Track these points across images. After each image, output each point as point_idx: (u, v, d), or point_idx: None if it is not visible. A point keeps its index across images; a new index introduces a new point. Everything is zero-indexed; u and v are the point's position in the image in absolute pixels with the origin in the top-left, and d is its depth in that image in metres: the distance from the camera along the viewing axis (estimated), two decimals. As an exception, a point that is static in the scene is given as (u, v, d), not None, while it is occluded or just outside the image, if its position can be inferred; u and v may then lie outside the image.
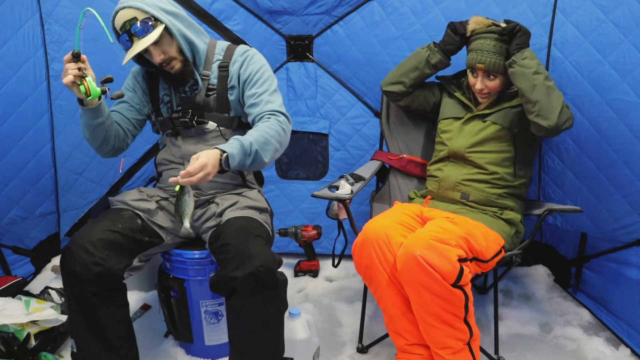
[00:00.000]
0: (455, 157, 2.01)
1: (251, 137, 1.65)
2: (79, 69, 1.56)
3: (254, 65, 1.82)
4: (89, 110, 1.69)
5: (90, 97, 1.59)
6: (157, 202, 1.85)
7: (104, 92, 1.62)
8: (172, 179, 1.53)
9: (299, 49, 2.57)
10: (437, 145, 2.12)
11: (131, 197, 1.83)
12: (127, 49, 1.68)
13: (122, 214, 1.76)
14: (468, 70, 2.00)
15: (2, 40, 2.09)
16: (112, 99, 1.70)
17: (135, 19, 1.63)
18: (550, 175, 2.29)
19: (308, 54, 2.59)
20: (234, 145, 1.61)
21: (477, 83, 1.96)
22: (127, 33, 1.64)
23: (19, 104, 2.20)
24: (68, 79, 1.55)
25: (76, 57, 1.56)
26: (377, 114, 2.57)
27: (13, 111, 2.19)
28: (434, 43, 2.07)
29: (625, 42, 1.86)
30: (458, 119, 2.06)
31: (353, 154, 2.67)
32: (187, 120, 1.81)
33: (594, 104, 2.01)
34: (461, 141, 1.99)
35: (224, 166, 1.58)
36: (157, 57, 1.70)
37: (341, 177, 2.10)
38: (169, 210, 1.87)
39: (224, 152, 1.58)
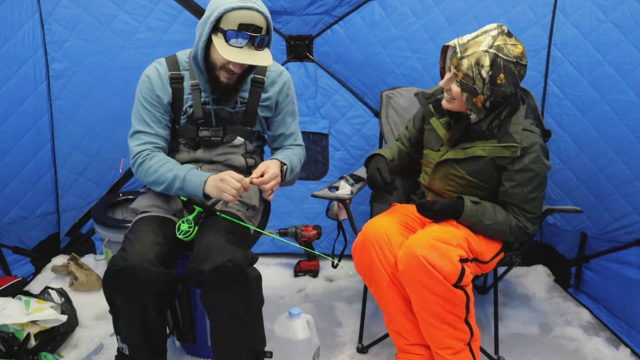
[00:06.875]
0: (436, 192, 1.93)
1: (295, 159, 1.87)
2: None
3: (291, 92, 1.91)
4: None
5: (185, 237, 1.68)
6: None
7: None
8: (251, 179, 1.66)
9: (299, 49, 2.57)
10: (422, 172, 1.99)
11: (157, 202, 1.80)
12: (231, 43, 1.62)
13: (163, 222, 1.73)
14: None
15: (2, 40, 2.09)
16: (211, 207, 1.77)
17: (261, 29, 1.67)
18: (550, 175, 2.28)
19: (308, 54, 2.59)
20: (292, 160, 1.84)
21: (444, 81, 1.70)
22: (250, 36, 1.64)
23: (19, 104, 2.21)
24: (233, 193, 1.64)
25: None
26: (377, 114, 2.57)
27: (13, 111, 2.20)
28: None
29: (625, 42, 1.86)
30: (436, 151, 1.88)
31: (353, 154, 2.67)
32: (220, 139, 1.81)
33: (594, 104, 2.01)
34: (437, 183, 1.88)
35: (283, 176, 1.76)
36: (238, 68, 1.69)
37: (341, 178, 2.10)
38: (187, 208, 1.86)
39: (283, 164, 1.77)
